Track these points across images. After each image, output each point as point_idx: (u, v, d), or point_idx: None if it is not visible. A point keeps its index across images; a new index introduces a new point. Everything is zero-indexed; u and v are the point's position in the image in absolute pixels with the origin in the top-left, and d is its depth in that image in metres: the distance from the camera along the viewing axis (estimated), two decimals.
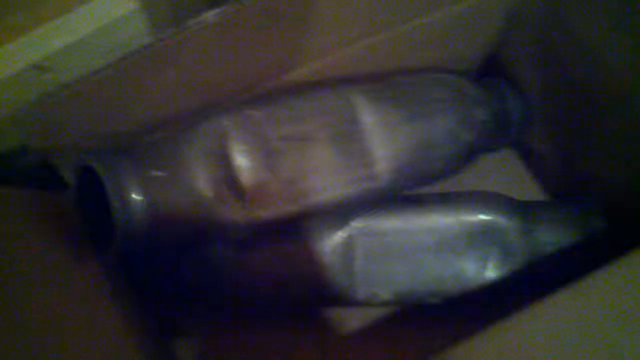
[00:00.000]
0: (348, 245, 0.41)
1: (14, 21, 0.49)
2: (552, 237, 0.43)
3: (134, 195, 0.33)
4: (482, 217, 0.42)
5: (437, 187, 0.45)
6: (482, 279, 0.41)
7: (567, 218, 0.44)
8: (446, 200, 0.43)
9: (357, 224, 0.41)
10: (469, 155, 0.44)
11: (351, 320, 0.47)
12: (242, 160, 0.36)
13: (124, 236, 0.33)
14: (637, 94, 0.38)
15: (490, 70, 0.51)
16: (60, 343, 0.29)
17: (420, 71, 0.45)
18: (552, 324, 0.29)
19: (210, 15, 0.33)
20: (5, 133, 0.44)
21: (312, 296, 0.43)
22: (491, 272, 0.41)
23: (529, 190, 0.51)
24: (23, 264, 0.31)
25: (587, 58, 0.41)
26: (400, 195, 0.44)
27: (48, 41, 0.50)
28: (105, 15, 0.52)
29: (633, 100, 0.39)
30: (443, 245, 0.41)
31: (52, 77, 0.51)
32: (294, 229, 0.41)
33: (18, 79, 0.49)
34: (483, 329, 0.29)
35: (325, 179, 0.39)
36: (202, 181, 0.35)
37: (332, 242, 0.41)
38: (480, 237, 0.41)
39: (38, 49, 0.50)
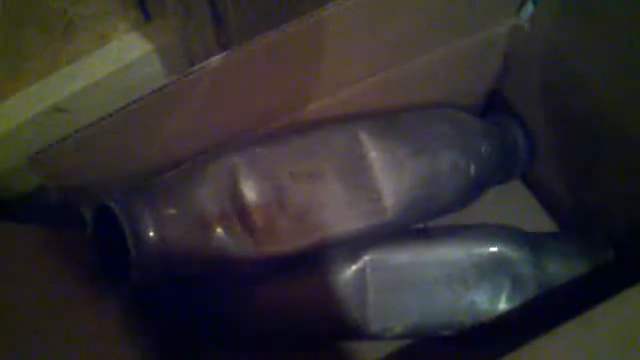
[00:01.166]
0: (360, 279, 0.41)
1: (33, 66, 0.51)
2: (561, 268, 0.43)
3: (148, 233, 0.34)
4: (492, 249, 0.42)
5: (447, 220, 0.45)
6: (494, 311, 0.42)
7: (576, 250, 0.44)
8: (456, 233, 0.44)
9: (368, 257, 0.42)
10: (475, 189, 0.45)
11: (364, 354, 0.47)
12: (252, 197, 0.37)
13: (139, 273, 0.34)
14: (634, 129, 0.39)
15: (495, 105, 0.51)
16: None
17: (425, 107, 0.46)
18: (561, 355, 0.30)
19: (215, 59, 0.34)
20: (25, 173, 0.45)
21: (324, 330, 0.43)
22: (503, 304, 0.41)
23: (539, 221, 0.51)
24: (42, 299, 0.32)
25: (585, 94, 0.41)
26: (411, 228, 0.45)
27: (65, 84, 0.52)
28: (121, 58, 0.54)
29: (631, 135, 0.39)
30: (454, 277, 0.42)
31: (69, 119, 0.53)
32: (306, 263, 0.41)
33: (37, 121, 0.51)
34: None
35: (334, 214, 0.39)
36: (214, 218, 0.36)
37: (344, 276, 0.41)
38: (491, 269, 0.42)
39: (56, 92, 0.52)
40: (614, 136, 0.41)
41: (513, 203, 0.51)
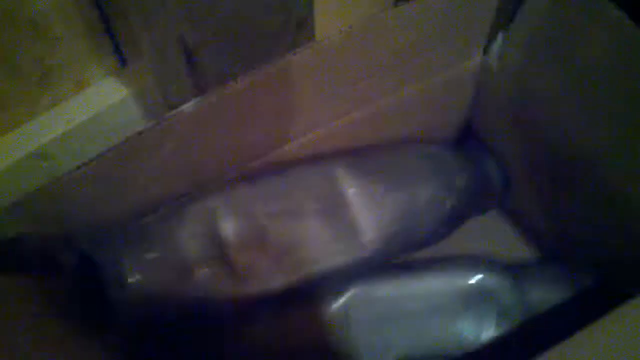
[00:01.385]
0: (345, 315, 0.41)
1: (12, 113, 0.51)
2: (545, 295, 0.43)
3: (128, 278, 0.34)
4: (476, 278, 0.42)
5: (428, 252, 0.46)
6: (480, 339, 0.42)
7: (558, 276, 0.44)
8: (438, 265, 0.44)
9: (350, 293, 0.42)
10: (453, 222, 0.46)
11: None
12: (232, 238, 0.37)
13: (122, 317, 0.34)
14: (604, 160, 0.40)
15: (468, 137, 0.52)
16: None
17: (399, 143, 0.47)
18: None
19: (189, 105, 0.34)
20: (3, 222, 0.45)
21: None
22: (489, 332, 0.42)
23: (519, 250, 0.51)
24: (22, 350, 0.31)
25: (554, 126, 0.42)
26: (393, 262, 0.45)
27: (45, 130, 0.52)
28: (99, 104, 0.54)
29: (601, 165, 0.40)
30: (439, 309, 0.42)
31: (50, 164, 0.53)
32: (289, 301, 0.41)
33: (18, 168, 0.51)
34: None
35: (315, 251, 0.40)
36: (195, 260, 0.37)
37: (328, 312, 0.41)
38: (475, 299, 0.42)
39: (36, 138, 0.52)
40: (584, 167, 0.41)
41: (492, 233, 0.51)
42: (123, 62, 0.55)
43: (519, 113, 0.45)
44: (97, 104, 0.54)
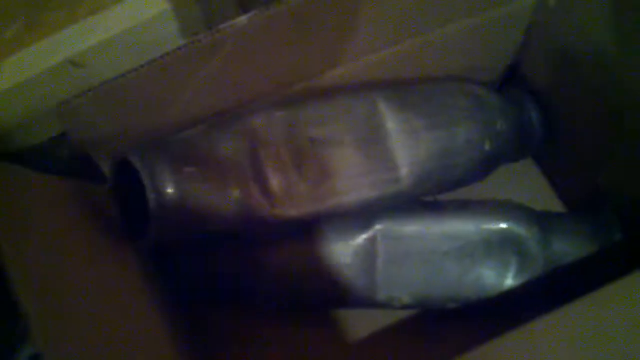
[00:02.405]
0: (370, 247, 0.42)
1: (51, 18, 0.50)
2: (569, 247, 0.43)
3: (167, 188, 0.35)
4: (502, 225, 0.42)
5: (458, 194, 0.46)
6: (500, 287, 0.42)
7: (585, 229, 0.44)
8: (467, 207, 0.44)
9: (380, 226, 0.42)
10: (489, 165, 0.45)
11: (370, 322, 0.47)
12: (270, 160, 0.37)
13: (157, 228, 0.34)
14: None
15: (512, 81, 0.51)
16: (98, 328, 0.30)
17: (443, 80, 0.46)
18: (567, 334, 0.30)
19: (242, 19, 0.34)
20: (45, 124, 0.45)
21: (332, 297, 0.44)
22: (509, 280, 0.42)
23: (548, 201, 0.51)
24: (60, 249, 0.32)
25: (609, 70, 0.41)
26: (421, 200, 0.45)
27: (82, 38, 0.52)
28: (137, 15, 0.53)
29: None
30: (462, 251, 0.42)
31: (85, 72, 0.52)
32: (317, 229, 0.42)
33: (53, 74, 0.50)
34: (499, 336, 0.29)
35: (350, 181, 0.40)
36: (232, 178, 0.37)
37: (354, 243, 0.42)
38: (499, 246, 0.42)
39: (72, 45, 0.51)
40: (633, 118, 0.40)
41: (523, 181, 0.51)
42: None
43: (574, 55, 0.43)
44: (135, 16, 0.53)
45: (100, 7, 0.52)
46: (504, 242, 0.42)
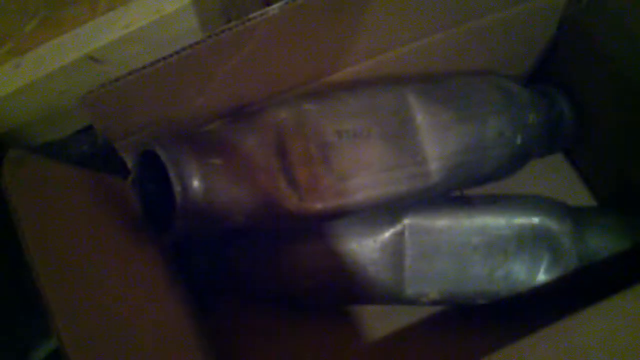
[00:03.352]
0: (399, 242, 0.41)
1: (71, 13, 0.50)
2: (602, 243, 0.42)
3: (194, 181, 0.34)
4: (534, 220, 0.41)
5: (488, 189, 0.45)
6: (532, 282, 0.41)
7: (618, 225, 0.43)
8: (498, 202, 0.43)
9: (408, 221, 0.41)
10: (519, 159, 0.44)
11: (398, 319, 0.46)
12: (297, 153, 0.36)
13: (183, 222, 0.34)
14: None
15: (542, 76, 0.50)
16: (122, 322, 0.29)
17: (473, 74, 0.45)
18: (602, 330, 0.29)
19: (273, 8, 0.33)
20: (71, 116, 0.45)
21: (359, 292, 0.43)
22: (541, 276, 0.41)
23: (579, 196, 0.50)
24: (84, 242, 0.31)
25: None
26: (451, 195, 0.44)
27: (101, 34, 0.51)
28: (157, 11, 0.53)
29: None
30: (493, 246, 0.41)
31: (104, 68, 0.52)
32: (346, 223, 0.41)
33: (72, 69, 0.50)
34: (531, 333, 0.29)
35: (378, 175, 0.39)
36: (259, 171, 0.36)
37: (382, 238, 0.41)
38: (531, 241, 0.41)
39: (92, 41, 0.51)
40: None
41: (554, 176, 0.51)
42: None
43: (609, 49, 0.43)
44: (155, 11, 0.53)
45: (120, 2, 0.52)
46: (536, 236, 0.41)
